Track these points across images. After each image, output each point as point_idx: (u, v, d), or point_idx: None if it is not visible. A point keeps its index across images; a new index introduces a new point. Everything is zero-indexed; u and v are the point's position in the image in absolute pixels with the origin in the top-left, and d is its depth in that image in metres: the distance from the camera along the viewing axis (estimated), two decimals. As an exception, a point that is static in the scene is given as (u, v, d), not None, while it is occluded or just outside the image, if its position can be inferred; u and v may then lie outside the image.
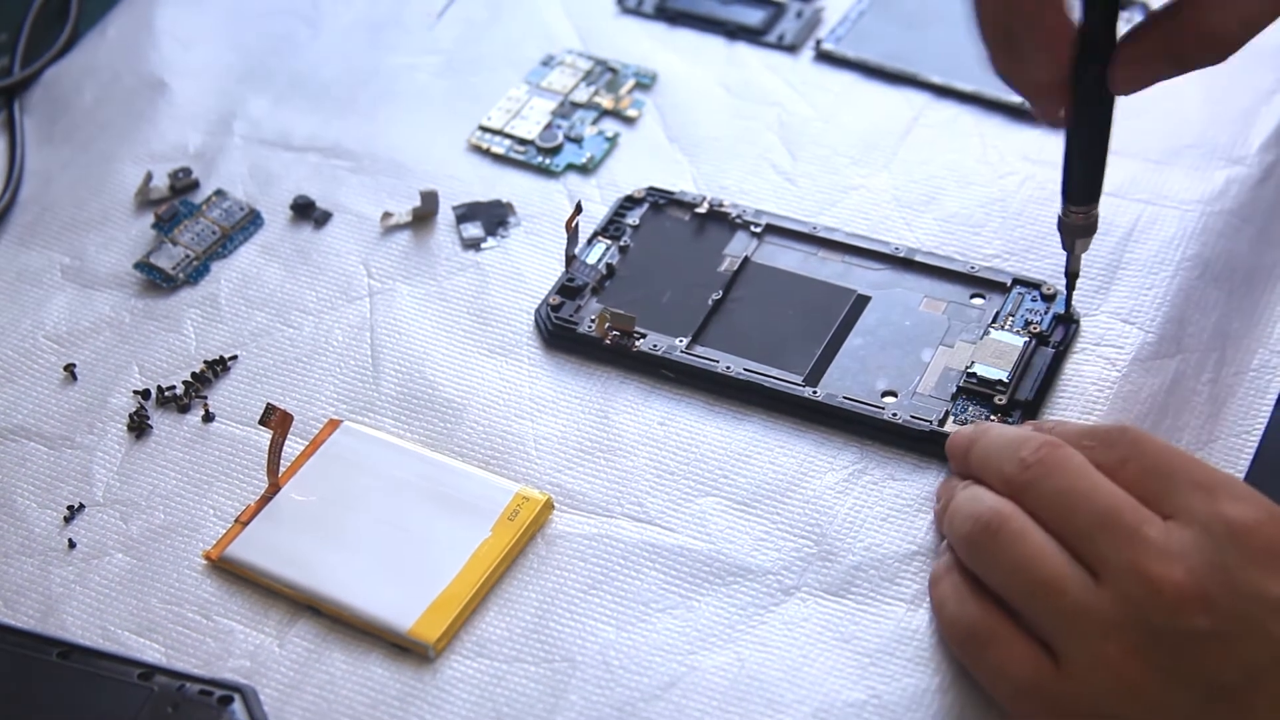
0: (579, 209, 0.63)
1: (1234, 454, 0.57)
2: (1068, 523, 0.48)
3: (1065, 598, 0.47)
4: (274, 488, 0.57)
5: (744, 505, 0.56)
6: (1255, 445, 0.57)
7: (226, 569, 0.56)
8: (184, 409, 0.61)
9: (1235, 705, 0.46)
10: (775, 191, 0.67)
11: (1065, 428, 0.53)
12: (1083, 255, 0.58)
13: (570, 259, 0.64)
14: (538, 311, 0.63)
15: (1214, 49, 0.51)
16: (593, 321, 0.61)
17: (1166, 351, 0.59)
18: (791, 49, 0.73)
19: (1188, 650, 0.46)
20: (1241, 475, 0.56)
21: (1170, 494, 0.48)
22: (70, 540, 0.57)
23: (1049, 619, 0.48)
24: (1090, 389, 0.58)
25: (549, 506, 0.56)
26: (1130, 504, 0.48)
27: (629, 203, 0.66)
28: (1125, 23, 0.52)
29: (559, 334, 0.62)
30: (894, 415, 0.57)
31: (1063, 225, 0.56)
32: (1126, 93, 0.53)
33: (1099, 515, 0.48)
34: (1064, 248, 0.57)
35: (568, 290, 0.63)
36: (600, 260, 0.64)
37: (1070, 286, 0.59)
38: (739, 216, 0.65)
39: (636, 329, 0.61)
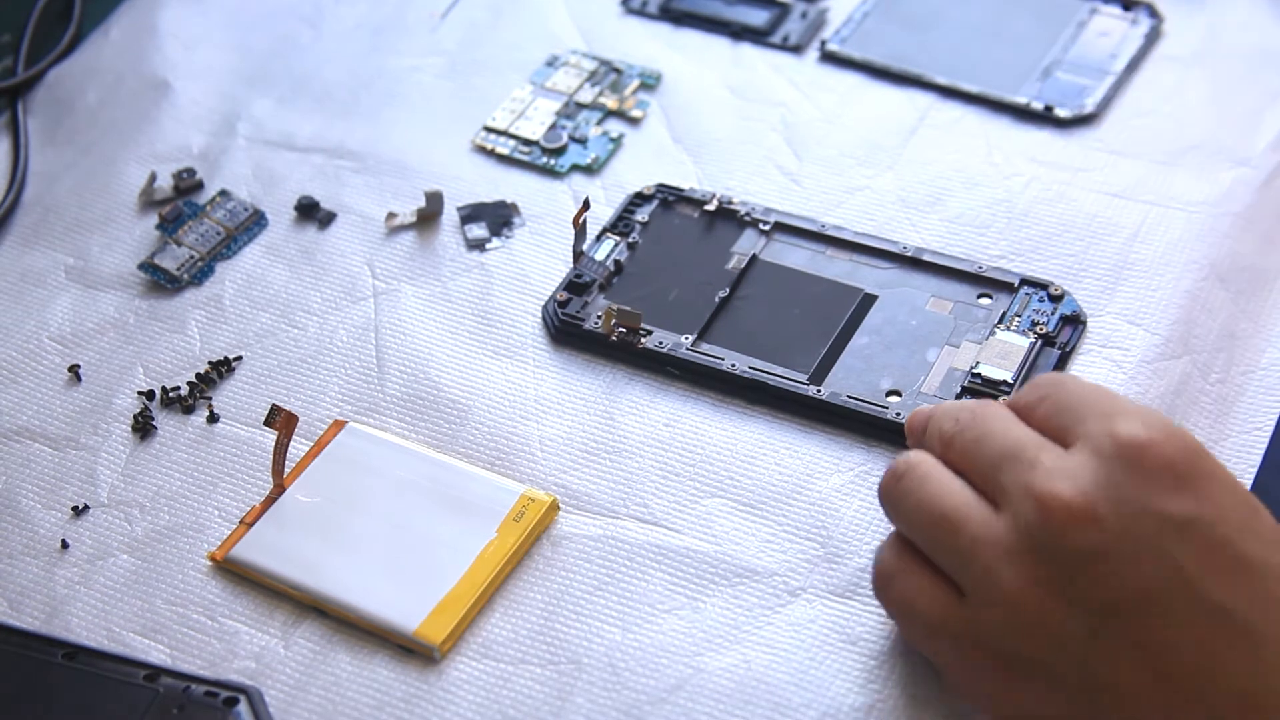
0: (586, 205, 0.63)
1: (1244, 451, 0.57)
2: (975, 463, 0.48)
3: (965, 528, 0.47)
4: (279, 489, 0.57)
5: (750, 507, 0.56)
6: (1266, 442, 0.57)
7: (231, 570, 0.55)
8: (189, 410, 0.61)
9: (1129, 627, 0.45)
10: (780, 192, 0.66)
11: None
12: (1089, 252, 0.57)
13: (578, 255, 0.63)
14: (545, 307, 0.63)
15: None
16: (599, 318, 0.61)
17: (1173, 353, 0.59)
18: (796, 50, 0.73)
19: (1079, 569, 0.45)
20: (1253, 473, 0.56)
21: (1075, 425, 0.47)
22: (75, 541, 0.57)
23: (950, 554, 0.48)
24: (1096, 390, 0.58)
25: (554, 508, 0.56)
26: (1034, 439, 0.48)
27: (638, 199, 0.66)
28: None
29: (565, 330, 0.61)
30: (898, 415, 0.57)
31: None
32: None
33: (1002, 451, 0.48)
34: None
35: (575, 286, 0.63)
36: (608, 257, 0.64)
37: None
38: (748, 214, 0.65)
39: (642, 326, 0.61)
